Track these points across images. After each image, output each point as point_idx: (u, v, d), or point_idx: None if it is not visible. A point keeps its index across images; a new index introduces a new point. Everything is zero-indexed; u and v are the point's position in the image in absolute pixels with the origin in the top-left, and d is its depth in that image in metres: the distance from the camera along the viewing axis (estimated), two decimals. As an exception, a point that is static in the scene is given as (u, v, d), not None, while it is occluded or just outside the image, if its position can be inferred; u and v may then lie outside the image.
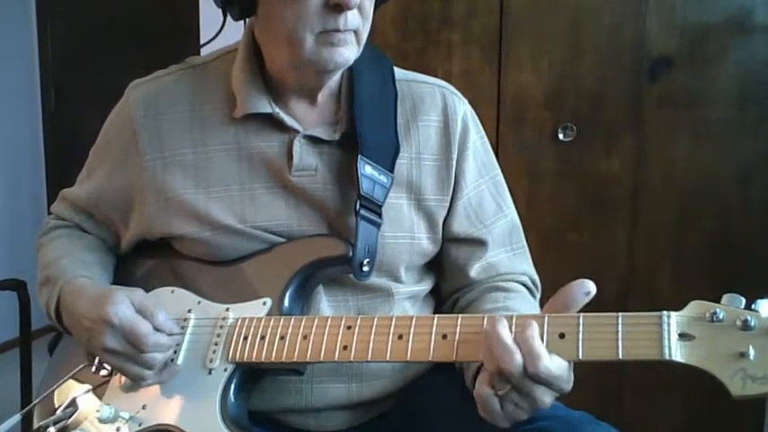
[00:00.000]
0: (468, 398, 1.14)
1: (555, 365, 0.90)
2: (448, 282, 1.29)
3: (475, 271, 1.24)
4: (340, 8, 1.05)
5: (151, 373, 1.10)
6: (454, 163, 1.22)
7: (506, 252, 1.27)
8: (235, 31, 1.24)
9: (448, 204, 1.23)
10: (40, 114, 4.16)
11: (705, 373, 0.84)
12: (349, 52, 1.10)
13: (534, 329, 0.91)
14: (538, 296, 1.29)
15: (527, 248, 1.30)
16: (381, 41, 2.33)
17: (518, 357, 0.90)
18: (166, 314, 1.11)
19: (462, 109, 1.25)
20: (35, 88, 4.14)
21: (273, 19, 1.09)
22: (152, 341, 1.08)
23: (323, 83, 1.17)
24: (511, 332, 0.93)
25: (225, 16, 1.17)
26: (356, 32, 1.10)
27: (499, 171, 1.30)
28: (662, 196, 2.35)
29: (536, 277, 1.30)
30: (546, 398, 0.92)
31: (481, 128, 1.28)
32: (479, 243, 1.25)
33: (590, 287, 0.94)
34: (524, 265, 1.29)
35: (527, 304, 1.21)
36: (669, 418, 2.43)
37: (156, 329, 1.09)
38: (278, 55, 1.14)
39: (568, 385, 0.93)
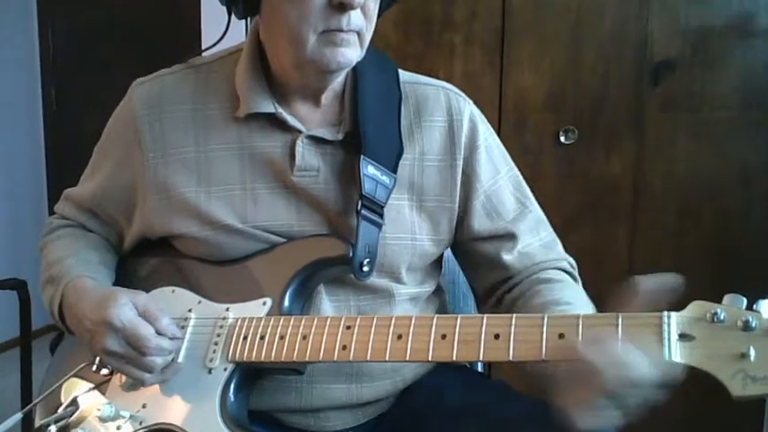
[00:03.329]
0: (467, 399, 1.14)
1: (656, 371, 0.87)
2: (484, 277, 1.27)
3: (508, 259, 1.22)
4: (343, 8, 1.05)
5: (151, 376, 1.10)
6: (460, 164, 1.21)
7: (537, 242, 1.25)
8: (237, 38, 1.24)
9: (450, 206, 1.22)
10: (40, 114, 4.17)
11: (705, 373, 0.84)
12: (351, 53, 1.10)
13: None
14: (577, 276, 1.27)
15: (555, 235, 1.29)
16: (383, 43, 2.33)
17: (642, 390, 0.86)
18: (169, 318, 1.11)
19: (468, 109, 1.25)
20: (35, 88, 4.14)
21: (277, 18, 1.09)
22: (154, 345, 1.08)
23: (326, 83, 1.17)
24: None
25: (229, 16, 1.17)
26: (359, 34, 1.09)
27: (514, 166, 1.29)
28: (663, 198, 2.36)
29: (571, 259, 1.28)
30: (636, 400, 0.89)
31: (489, 126, 1.28)
32: (506, 237, 1.23)
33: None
34: (559, 251, 1.27)
35: (574, 292, 1.19)
36: (669, 418, 2.43)
37: (159, 333, 1.09)
38: (281, 54, 1.14)
39: None
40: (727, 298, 0.87)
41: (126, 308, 1.08)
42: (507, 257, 1.23)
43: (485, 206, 1.23)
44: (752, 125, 2.30)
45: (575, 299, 1.15)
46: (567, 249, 2.28)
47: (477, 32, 2.36)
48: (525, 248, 1.24)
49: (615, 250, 2.39)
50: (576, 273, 1.27)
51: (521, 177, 1.29)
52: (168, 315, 1.11)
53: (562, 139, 2.35)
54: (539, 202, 1.29)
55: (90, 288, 1.17)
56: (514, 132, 2.37)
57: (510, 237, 1.24)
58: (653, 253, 2.38)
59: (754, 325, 0.84)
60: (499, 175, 1.25)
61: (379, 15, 1.13)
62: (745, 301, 0.87)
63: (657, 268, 2.42)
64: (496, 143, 1.27)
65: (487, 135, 1.25)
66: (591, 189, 2.38)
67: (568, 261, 1.28)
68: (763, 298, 0.86)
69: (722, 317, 0.85)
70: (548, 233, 1.28)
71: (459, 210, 1.23)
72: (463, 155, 1.22)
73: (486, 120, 1.28)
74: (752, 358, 0.82)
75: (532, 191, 1.30)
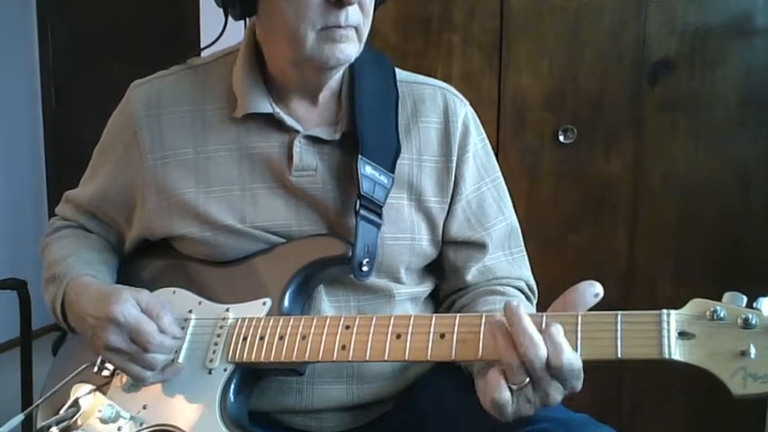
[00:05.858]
0: (468, 399, 1.14)
1: (576, 360, 0.89)
2: (445, 283, 1.29)
3: (471, 274, 1.24)
4: (341, 4, 1.05)
5: (151, 373, 1.10)
6: (454, 165, 1.22)
7: (504, 256, 1.26)
8: (234, 37, 1.24)
9: (447, 207, 1.23)
10: (40, 114, 4.17)
11: (705, 372, 0.84)
12: (350, 49, 1.10)
13: (559, 327, 0.90)
14: (534, 301, 1.28)
15: (525, 253, 1.30)
16: (382, 43, 2.33)
17: (543, 350, 0.89)
18: (172, 317, 1.11)
19: (463, 111, 1.25)
20: (35, 88, 4.14)
21: (274, 16, 1.10)
22: (157, 341, 1.08)
23: (324, 81, 1.17)
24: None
25: (226, 16, 1.17)
26: (357, 29, 1.10)
27: (500, 174, 1.29)
28: (662, 198, 2.36)
29: (533, 283, 1.29)
30: (557, 395, 0.92)
31: (482, 130, 1.28)
32: (479, 246, 1.24)
33: (599, 289, 0.94)
34: (522, 270, 1.28)
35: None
36: (669, 420, 2.43)
37: (162, 331, 1.09)
38: (279, 53, 1.14)
39: (579, 383, 0.92)
40: (727, 296, 0.87)
41: (128, 304, 1.08)
42: (471, 271, 1.24)
43: (465, 211, 1.23)
44: (750, 125, 2.30)
45: None
46: (566, 249, 2.28)
47: (475, 32, 2.36)
48: (490, 261, 1.25)
49: (615, 250, 2.39)
50: (532, 295, 1.28)
51: (504, 185, 1.30)
52: (171, 313, 1.12)
53: (561, 138, 2.35)
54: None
55: (92, 285, 1.17)
56: (513, 132, 2.37)
57: (481, 247, 1.24)
58: (652, 252, 2.38)
59: (754, 323, 0.84)
60: (483, 182, 1.25)
61: (374, 9, 1.13)
62: (745, 299, 0.86)
63: (657, 267, 2.43)
64: (486, 149, 1.28)
65: (477, 141, 1.26)
66: (590, 189, 2.38)
67: (527, 283, 1.28)
68: (764, 296, 0.86)
69: (722, 314, 0.85)
70: (518, 248, 1.29)
71: None
72: (456, 156, 1.22)
73: (480, 124, 1.28)
74: (752, 356, 0.82)
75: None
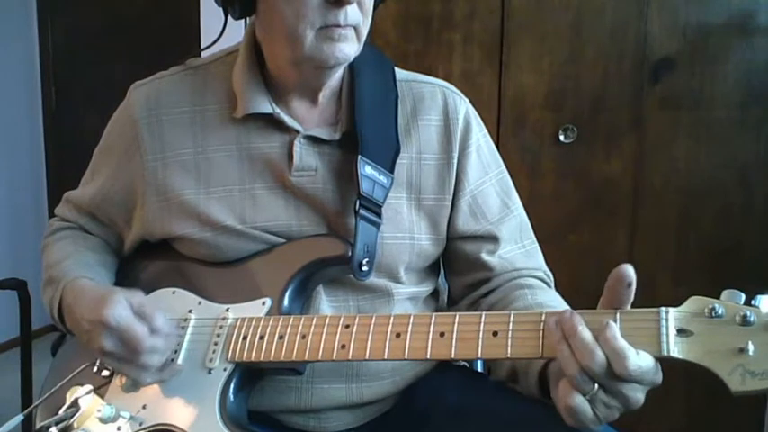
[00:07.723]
0: (468, 399, 1.14)
1: (644, 361, 0.87)
2: (463, 276, 1.27)
3: (489, 260, 1.23)
4: (340, 3, 1.05)
5: (147, 375, 1.09)
6: (455, 161, 1.22)
7: (519, 249, 1.26)
8: (235, 36, 1.24)
9: (449, 204, 1.22)
10: (40, 114, 4.17)
11: (704, 369, 0.84)
12: (349, 48, 1.10)
13: (614, 329, 0.88)
14: (553, 288, 1.27)
15: (537, 244, 1.29)
16: (382, 42, 2.33)
17: (600, 355, 0.87)
18: (165, 317, 1.11)
19: (464, 108, 1.25)
20: (35, 88, 4.14)
21: (274, 16, 1.10)
22: (148, 345, 1.07)
23: (323, 81, 1.17)
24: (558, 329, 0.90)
25: (226, 16, 1.17)
26: (356, 29, 1.10)
27: (504, 169, 1.29)
28: (663, 198, 2.36)
29: (549, 272, 1.29)
30: (638, 393, 0.89)
31: (484, 127, 1.28)
32: (488, 239, 1.24)
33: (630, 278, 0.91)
34: (538, 260, 1.28)
35: (556, 298, 1.19)
36: (669, 419, 2.43)
37: (153, 332, 1.08)
38: (278, 52, 1.14)
39: (659, 377, 0.89)
40: (725, 293, 0.87)
41: (120, 306, 1.07)
42: (488, 258, 1.23)
43: (470, 206, 1.23)
44: (751, 124, 2.30)
45: (558, 303, 1.16)
46: (566, 249, 2.27)
47: (476, 31, 2.36)
48: (506, 254, 1.24)
49: (615, 249, 2.39)
50: (552, 284, 1.28)
51: (509, 180, 1.30)
52: (164, 314, 1.11)
53: (561, 138, 2.35)
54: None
55: (87, 288, 1.16)
56: (514, 131, 2.37)
57: (492, 239, 1.24)
58: (653, 252, 2.38)
59: (752, 320, 0.84)
60: (487, 177, 1.25)
61: (374, 9, 1.13)
62: (743, 296, 0.86)
63: (657, 267, 2.43)
64: (488, 144, 1.28)
65: (480, 136, 1.26)
66: (590, 188, 2.38)
67: (545, 272, 1.28)
68: (762, 293, 0.86)
69: (720, 312, 0.85)
70: (530, 241, 1.28)
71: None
72: (457, 152, 1.22)
73: (480, 120, 1.28)
74: (750, 353, 0.82)
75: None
